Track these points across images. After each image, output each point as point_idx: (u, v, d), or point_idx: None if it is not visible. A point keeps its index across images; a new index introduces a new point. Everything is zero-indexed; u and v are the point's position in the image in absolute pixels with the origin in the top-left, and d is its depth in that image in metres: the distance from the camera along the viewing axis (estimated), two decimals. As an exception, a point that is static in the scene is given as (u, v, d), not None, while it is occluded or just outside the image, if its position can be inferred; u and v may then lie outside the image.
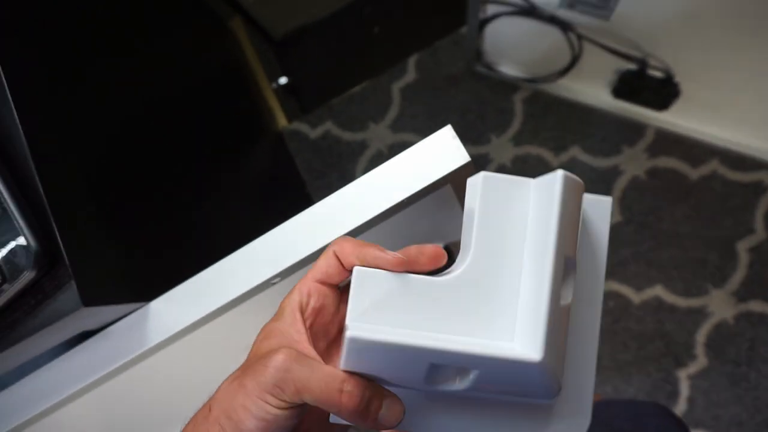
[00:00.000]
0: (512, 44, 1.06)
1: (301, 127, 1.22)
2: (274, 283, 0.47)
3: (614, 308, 1.05)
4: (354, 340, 0.26)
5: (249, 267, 0.46)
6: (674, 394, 1.01)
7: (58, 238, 0.38)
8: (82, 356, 0.46)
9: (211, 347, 0.60)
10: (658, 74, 0.92)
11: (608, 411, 0.59)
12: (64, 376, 0.46)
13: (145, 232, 0.53)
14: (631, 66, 0.93)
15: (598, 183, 1.08)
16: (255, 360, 0.28)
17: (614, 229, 1.07)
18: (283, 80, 1.23)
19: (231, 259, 0.46)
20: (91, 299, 0.40)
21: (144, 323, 0.46)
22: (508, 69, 1.11)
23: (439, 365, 0.27)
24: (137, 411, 0.80)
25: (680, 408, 1.01)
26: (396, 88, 1.18)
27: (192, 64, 0.86)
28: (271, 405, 0.26)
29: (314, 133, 1.21)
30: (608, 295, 1.05)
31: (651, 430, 0.54)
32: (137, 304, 0.46)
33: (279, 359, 0.26)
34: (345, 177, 1.17)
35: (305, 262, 0.45)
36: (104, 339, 0.46)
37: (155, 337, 0.45)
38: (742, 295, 1.01)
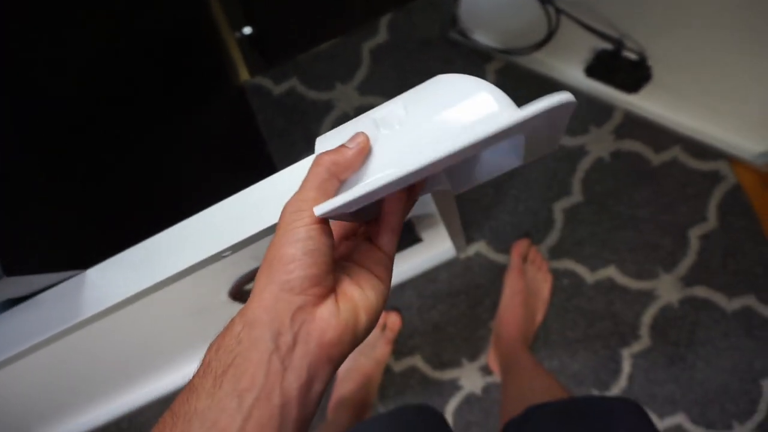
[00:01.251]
0: (489, 12, 1.03)
1: (264, 82, 1.16)
2: (225, 257, 0.44)
3: (568, 286, 1.07)
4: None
5: (200, 237, 0.43)
6: (617, 372, 1.04)
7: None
8: (6, 326, 0.43)
9: (151, 319, 0.57)
10: (632, 56, 0.91)
11: (576, 408, 0.60)
12: (-14, 347, 0.42)
13: (84, 193, 0.49)
14: (607, 46, 0.92)
15: (563, 161, 1.08)
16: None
17: (574, 209, 1.07)
18: (247, 30, 1.16)
19: (181, 227, 0.43)
20: (14, 267, 0.36)
21: (78, 293, 0.42)
22: (483, 38, 1.07)
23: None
24: (71, 379, 0.76)
25: (621, 385, 1.04)
26: (366, 48, 1.14)
27: (145, 6, 0.79)
28: (296, 226, 0.30)
29: (278, 90, 1.15)
30: (563, 273, 1.07)
31: (618, 428, 0.54)
32: (71, 272, 0.43)
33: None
34: (308, 137, 1.13)
35: (262, 235, 0.43)
36: (32, 308, 0.43)
37: (89, 309, 0.42)
38: (689, 280, 1.04)
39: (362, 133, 0.34)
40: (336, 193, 0.33)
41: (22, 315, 0.43)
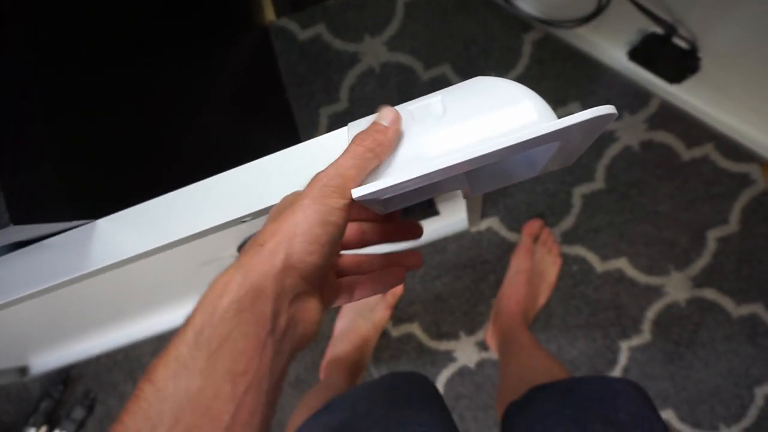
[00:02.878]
0: (536, -23, 0.96)
1: (290, 25, 1.10)
2: (245, 221, 0.42)
3: (576, 272, 1.05)
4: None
5: (220, 200, 0.40)
6: (612, 362, 1.04)
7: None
8: (9, 269, 0.41)
9: (154, 266, 0.55)
10: (682, 44, 0.86)
11: (579, 390, 0.59)
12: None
13: (96, 137, 0.46)
14: (658, 30, 0.86)
15: (590, 146, 1.04)
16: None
17: (595, 196, 1.04)
18: (277, -34, 1.09)
19: (201, 186, 0.40)
20: (22, 215, 0.34)
21: (85, 244, 0.40)
22: (525, 4, 1.01)
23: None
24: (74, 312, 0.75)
25: (614, 374, 1.04)
26: (401, 1, 1.07)
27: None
28: (331, 205, 0.29)
29: (303, 35, 1.10)
30: (573, 259, 1.05)
31: (621, 411, 0.53)
32: (81, 222, 0.40)
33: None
34: (329, 89, 1.08)
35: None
36: (38, 253, 0.41)
37: (95, 262, 0.40)
38: (699, 281, 1.03)
39: (391, 109, 0.33)
40: (371, 175, 0.32)
41: (27, 259, 0.41)
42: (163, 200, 0.40)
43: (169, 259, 0.58)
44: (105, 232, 0.40)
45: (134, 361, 1.14)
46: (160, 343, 1.10)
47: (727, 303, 1.02)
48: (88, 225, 0.41)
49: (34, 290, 0.41)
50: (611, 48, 0.98)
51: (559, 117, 0.30)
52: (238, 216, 0.39)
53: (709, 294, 1.03)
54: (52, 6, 0.44)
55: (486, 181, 0.40)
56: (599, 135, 0.33)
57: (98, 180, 0.44)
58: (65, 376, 1.13)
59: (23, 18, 0.39)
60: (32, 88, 0.39)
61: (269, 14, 1.11)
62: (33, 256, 0.41)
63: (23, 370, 1.09)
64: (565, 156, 0.35)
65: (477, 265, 1.08)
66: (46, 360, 1.09)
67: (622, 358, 1.04)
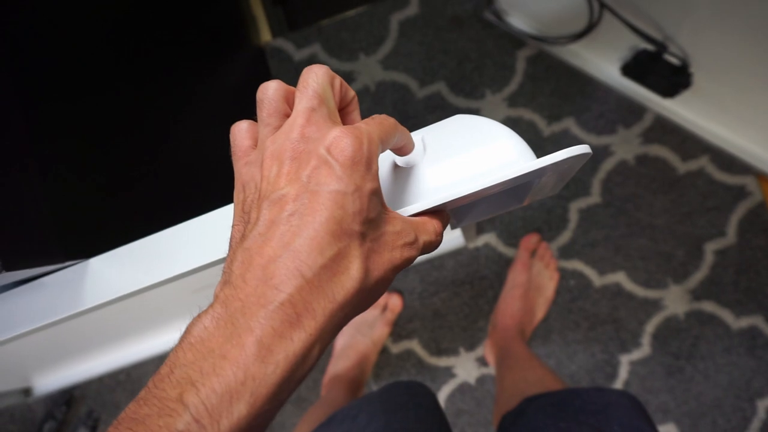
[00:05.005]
0: (528, -4, 0.97)
1: (286, 45, 1.12)
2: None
3: (574, 287, 1.05)
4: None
5: (214, 236, 0.41)
6: (612, 376, 1.04)
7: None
8: (5, 308, 0.41)
9: (151, 295, 0.56)
10: (674, 60, 0.86)
11: (572, 402, 0.59)
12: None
13: (87, 174, 0.47)
14: (649, 47, 0.87)
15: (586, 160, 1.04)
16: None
17: (591, 210, 1.05)
18: (272, -13, 1.11)
19: (192, 224, 0.41)
20: (13, 261, 0.35)
21: (80, 283, 0.41)
22: (518, 22, 1.02)
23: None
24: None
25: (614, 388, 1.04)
26: (395, 20, 1.08)
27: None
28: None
29: (299, 55, 1.11)
30: (570, 274, 1.05)
31: (615, 424, 0.53)
32: (74, 262, 0.41)
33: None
34: (325, 109, 1.09)
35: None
36: (32, 293, 0.41)
37: (90, 300, 0.41)
38: (698, 294, 1.03)
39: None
40: None
41: (23, 298, 0.42)
42: (156, 238, 0.41)
43: (164, 289, 0.59)
44: (97, 272, 0.41)
45: (136, 381, 1.14)
46: (160, 363, 1.10)
47: (726, 315, 1.02)
48: (81, 264, 0.41)
49: (30, 328, 0.41)
50: (604, 64, 0.99)
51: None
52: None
53: (708, 307, 1.03)
54: (39, 36, 0.45)
55: (470, 214, 0.40)
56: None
57: (90, 219, 0.45)
58: (68, 397, 1.14)
59: (5, 50, 0.40)
60: (20, 127, 0.40)
61: (265, 35, 1.12)
62: (29, 294, 0.42)
63: (27, 392, 1.10)
64: (547, 189, 0.36)
65: (475, 281, 1.08)
66: (50, 381, 1.10)
67: (623, 372, 1.04)
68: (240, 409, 0.21)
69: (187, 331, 0.23)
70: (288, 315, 0.23)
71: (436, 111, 1.06)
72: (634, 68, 0.93)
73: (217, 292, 0.24)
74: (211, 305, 0.24)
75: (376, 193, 0.26)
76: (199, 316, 0.24)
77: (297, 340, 0.23)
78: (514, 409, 0.64)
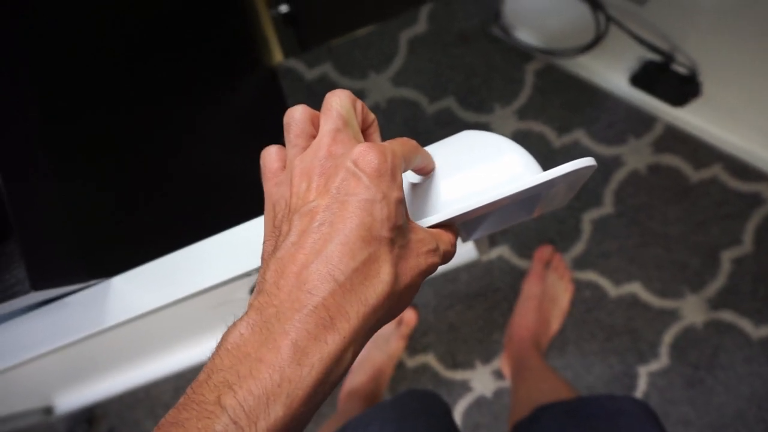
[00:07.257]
0: (533, 10, 0.99)
1: (297, 65, 1.14)
2: (250, 276, 0.44)
3: (589, 298, 1.05)
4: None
5: (233, 254, 0.42)
6: (631, 388, 1.03)
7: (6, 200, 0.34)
8: (30, 326, 0.43)
9: (169, 312, 0.57)
10: (682, 70, 0.87)
11: (584, 410, 0.59)
12: (7, 347, 0.43)
13: (108, 195, 0.49)
14: (656, 57, 0.87)
15: (597, 171, 1.04)
16: None
17: (604, 221, 1.05)
18: (283, 8, 1.13)
19: (209, 243, 0.42)
20: (42, 282, 0.36)
21: (103, 302, 0.42)
22: (525, 36, 1.03)
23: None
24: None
25: (634, 401, 1.03)
26: (404, 38, 1.10)
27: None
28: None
29: (310, 75, 1.13)
30: (585, 285, 1.05)
31: (625, 431, 0.53)
32: (96, 280, 0.43)
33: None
34: (337, 126, 1.11)
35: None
36: (56, 312, 0.43)
37: (113, 318, 0.42)
38: (715, 303, 1.02)
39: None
40: None
41: (47, 317, 0.43)
42: (175, 257, 0.43)
43: (183, 306, 0.60)
44: (119, 290, 0.42)
45: (155, 399, 1.16)
46: (178, 381, 1.12)
47: (745, 324, 1.01)
48: (104, 283, 0.43)
49: (54, 347, 0.43)
50: (612, 75, 0.99)
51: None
52: (246, 270, 0.41)
53: (727, 316, 1.01)
54: (56, 59, 0.47)
55: (480, 227, 0.41)
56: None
57: (109, 238, 0.46)
58: (89, 415, 1.16)
59: (27, 71, 0.42)
60: (40, 149, 0.42)
61: (277, 55, 1.14)
62: (53, 314, 0.43)
63: (48, 410, 1.12)
64: (557, 200, 0.36)
65: (489, 294, 1.08)
66: (71, 399, 1.12)
67: (642, 384, 1.03)
68: (276, 411, 0.22)
69: (223, 339, 0.24)
70: (322, 318, 0.23)
71: (446, 126, 1.08)
72: (643, 78, 0.94)
73: (251, 301, 0.25)
74: (246, 313, 0.25)
75: (402, 202, 0.27)
76: (234, 324, 0.24)
77: (331, 343, 0.23)
78: (528, 417, 0.64)
